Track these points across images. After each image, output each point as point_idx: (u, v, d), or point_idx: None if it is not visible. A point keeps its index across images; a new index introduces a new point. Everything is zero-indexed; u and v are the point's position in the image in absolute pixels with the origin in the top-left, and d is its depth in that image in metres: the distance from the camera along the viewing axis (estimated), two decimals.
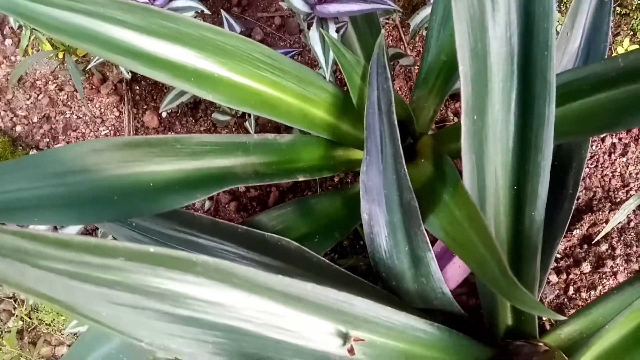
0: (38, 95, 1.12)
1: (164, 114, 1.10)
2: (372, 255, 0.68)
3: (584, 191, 1.00)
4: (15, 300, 1.09)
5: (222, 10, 0.87)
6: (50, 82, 1.13)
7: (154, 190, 0.62)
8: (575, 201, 0.98)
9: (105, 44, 0.61)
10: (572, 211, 0.72)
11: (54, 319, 1.08)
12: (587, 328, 0.66)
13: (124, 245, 0.39)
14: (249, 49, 0.69)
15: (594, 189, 1.00)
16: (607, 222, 0.95)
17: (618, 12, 1.05)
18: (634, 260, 0.93)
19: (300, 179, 0.74)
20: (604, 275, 0.93)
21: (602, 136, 1.02)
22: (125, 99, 1.11)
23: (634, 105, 0.55)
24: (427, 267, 0.63)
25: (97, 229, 0.97)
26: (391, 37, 1.10)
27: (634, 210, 0.96)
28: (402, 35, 1.10)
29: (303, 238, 0.73)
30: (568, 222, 0.72)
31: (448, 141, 0.76)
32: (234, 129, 1.08)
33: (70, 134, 1.11)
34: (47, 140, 1.11)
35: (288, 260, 0.67)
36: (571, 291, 0.94)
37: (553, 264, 0.96)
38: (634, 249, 0.94)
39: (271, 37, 1.12)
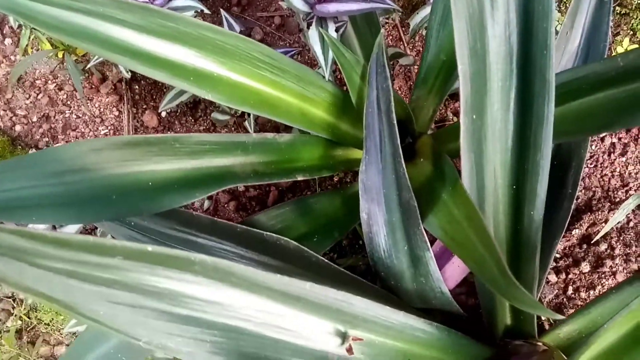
0: (37, 94, 1.12)
1: (163, 114, 1.10)
2: (371, 255, 0.68)
3: (583, 191, 1.00)
4: (14, 300, 1.09)
5: (221, 10, 0.87)
6: (49, 82, 1.13)
7: (152, 189, 0.62)
8: (575, 201, 0.98)
9: (104, 43, 0.61)
10: (572, 211, 0.72)
11: (52, 319, 1.08)
12: (586, 328, 0.66)
13: (122, 244, 0.39)
14: (248, 48, 0.68)
15: (593, 189, 1.00)
16: (606, 221, 0.95)
17: (618, 11, 1.05)
18: (633, 260, 0.93)
19: (300, 178, 0.74)
20: (603, 275, 0.93)
21: (601, 136, 1.02)
22: (125, 99, 1.11)
23: (633, 104, 0.55)
24: (426, 266, 0.63)
25: (96, 228, 0.97)
26: (391, 37, 1.10)
27: (633, 210, 0.96)
28: (402, 34, 1.10)
29: (302, 237, 0.73)
30: (567, 222, 0.72)
31: (447, 140, 0.76)
32: (233, 129, 1.08)
33: (69, 134, 1.11)
34: (47, 139, 1.11)
35: (287, 260, 0.67)
36: (570, 291, 0.94)
37: (552, 264, 0.96)
38: (633, 248, 0.94)
39: (271, 36, 1.12)
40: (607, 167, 1.00)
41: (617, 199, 0.98)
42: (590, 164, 1.01)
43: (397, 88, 1.07)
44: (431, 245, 0.62)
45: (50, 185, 0.59)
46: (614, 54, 1.05)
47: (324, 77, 0.75)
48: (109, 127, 1.11)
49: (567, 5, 1.03)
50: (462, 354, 0.63)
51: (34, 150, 1.11)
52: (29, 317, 1.09)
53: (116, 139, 0.63)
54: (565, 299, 0.94)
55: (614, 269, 0.93)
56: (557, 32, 0.73)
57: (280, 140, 0.76)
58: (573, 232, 0.97)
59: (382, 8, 0.71)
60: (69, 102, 1.12)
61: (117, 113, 1.11)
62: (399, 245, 0.64)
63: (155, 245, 0.40)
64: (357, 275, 0.69)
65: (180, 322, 0.43)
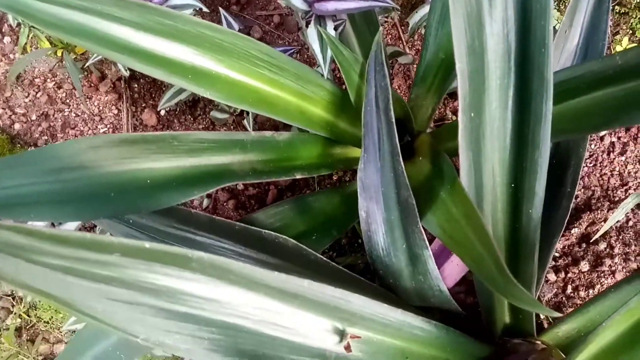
0: (37, 93, 1.12)
1: (162, 112, 1.10)
2: (370, 253, 0.68)
3: (582, 190, 1.00)
4: (13, 298, 1.09)
5: (220, 8, 0.86)
6: (48, 80, 1.13)
7: (151, 187, 0.62)
8: (574, 200, 0.98)
9: (102, 40, 0.61)
10: (571, 210, 0.72)
11: (52, 317, 1.08)
12: (585, 326, 0.66)
13: (120, 241, 0.39)
14: (246, 47, 0.68)
15: (592, 188, 1.00)
16: (605, 220, 0.95)
17: (617, 11, 1.05)
18: (633, 259, 0.93)
19: (298, 176, 0.74)
20: (602, 274, 0.93)
21: (601, 135, 1.02)
22: (124, 97, 1.11)
23: (631, 103, 0.55)
24: (425, 264, 0.63)
25: (95, 226, 0.97)
26: (390, 36, 1.10)
27: (632, 209, 0.96)
28: (401, 33, 1.10)
29: (301, 236, 0.73)
30: (566, 221, 0.72)
31: (446, 139, 0.76)
32: (232, 127, 1.08)
33: (68, 132, 1.11)
34: (46, 138, 1.11)
35: (286, 258, 0.67)
36: (569, 290, 0.94)
37: (551, 263, 0.96)
38: (633, 247, 0.94)
39: (270, 35, 1.12)
40: (606, 166, 1.00)
41: (617, 198, 0.98)
42: (590, 163, 1.01)
43: (396, 87, 1.07)
44: (430, 243, 0.62)
45: (48, 183, 0.59)
46: (613, 53, 1.05)
47: (322, 75, 0.75)
48: (108, 126, 1.11)
49: (566, 3, 1.03)
50: (461, 352, 0.63)
51: (33, 148, 1.11)
52: (28, 315, 1.09)
53: (114, 137, 0.63)
54: (564, 298, 0.94)
55: (613, 268, 0.93)
56: (556, 31, 0.73)
57: (279, 139, 0.76)
58: (572, 231, 0.97)
59: (380, 6, 0.71)
60: (68, 101, 1.12)
61: (116, 111, 1.11)
62: (398, 244, 0.64)
63: (154, 242, 0.40)
64: (356, 273, 0.69)
65: (178, 319, 0.43)
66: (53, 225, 0.76)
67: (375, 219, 0.65)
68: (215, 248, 0.66)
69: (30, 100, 1.12)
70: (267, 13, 1.13)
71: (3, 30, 1.14)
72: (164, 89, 1.10)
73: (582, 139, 0.73)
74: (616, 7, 1.05)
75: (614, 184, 0.99)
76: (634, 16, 1.04)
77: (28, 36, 1.10)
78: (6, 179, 0.59)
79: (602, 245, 0.95)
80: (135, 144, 0.63)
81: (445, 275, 0.77)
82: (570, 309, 0.93)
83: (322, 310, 0.48)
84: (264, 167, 0.71)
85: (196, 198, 1.06)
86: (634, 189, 0.98)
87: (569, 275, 0.94)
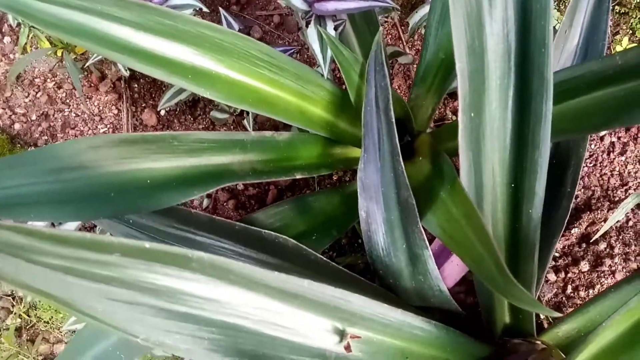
0: (37, 93, 1.12)
1: (162, 112, 1.10)
2: (370, 253, 0.68)
3: (582, 190, 1.00)
4: (13, 298, 1.09)
5: (220, 8, 0.86)
6: (48, 80, 1.13)
7: (151, 187, 0.62)
8: (574, 200, 0.98)
9: (102, 40, 0.61)
10: (571, 210, 0.72)
11: (52, 317, 1.08)
12: (585, 326, 0.66)
13: (120, 241, 0.39)
14: (246, 47, 0.68)
15: (592, 188, 1.00)
16: (605, 220, 0.95)
17: (617, 11, 1.05)
18: (633, 259, 0.93)
19: (298, 176, 0.74)
20: (602, 274, 0.93)
21: (601, 135, 1.02)
22: (124, 97, 1.11)
23: (631, 103, 0.55)
24: (425, 264, 0.63)
25: (95, 226, 0.97)
26: (390, 36, 1.10)
27: (632, 209, 0.96)
28: (401, 33, 1.10)
29: (301, 236, 0.73)
30: (566, 221, 0.72)
31: (446, 139, 0.76)
32: (232, 127, 1.08)
33: (68, 132, 1.11)
34: (46, 138, 1.11)
35: (286, 258, 0.67)
36: (569, 290, 0.94)
37: (551, 263, 0.96)
38: (633, 247, 0.94)
39: (270, 35, 1.12)
40: (606, 166, 1.00)
41: (617, 198, 0.98)
42: (590, 163, 1.01)
43: (397, 87, 1.07)
44: (430, 244, 0.62)
45: (48, 183, 0.59)
46: (613, 53, 1.05)
47: (322, 75, 0.75)
48: (108, 126, 1.11)
49: (566, 3, 1.03)
50: (461, 352, 0.63)
51: (33, 148, 1.11)
52: (28, 315, 1.09)
53: (114, 137, 0.63)
54: (564, 298, 0.94)
55: (613, 268, 0.93)
56: (556, 31, 0.73)
57: (279, 139, 0.76)
58: (572, 231, 0.97)
59: (380, 6, 0.71)
60: (68, 101, 1.12)
61: (116, 111, 1.11)
62: (398, 244, 0.64)
63: (154, 242, 0.40)
64: (356, 273, 0.69)
65: (178, 319, 0.43)
66: (53, 225, 0.76)
67: (375, 219, 0.65)
68: (215, 248, 0.66)
69: (30, 100, 1.12)
70: (267, 13, 1.13)
71: (3, 30, 1.14)
72: (164, 89, 1.10)
73: (582, 139, 0.73)
74: (616, 7, 1.05)
75: (614, 184, 0.99)
76: (634, 16, 1.04)
77: (28, 36, 1.10)
78: (6, 179, 0.59)
79: (602, 245, 0.95)
80: (135, 144, 0.63)
81: (445, 275, 0.77)
82: (570, 309, 0.93)
83: (322, 310, 0.48)
84: (264, 167, 0.71)
85: (196, 198, 1.06)
86: (634, 189, 0.98)
87: (569, 275, 0.94)
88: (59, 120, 1.11)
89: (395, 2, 1.05)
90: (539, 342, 0.66)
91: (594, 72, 0.59)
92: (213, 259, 0.42)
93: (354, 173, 0.91)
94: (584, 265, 0.94)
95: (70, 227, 0.77)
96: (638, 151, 1.00)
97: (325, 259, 0.67)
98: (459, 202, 0.58)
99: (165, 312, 0.42)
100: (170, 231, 0.67)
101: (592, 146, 1.01)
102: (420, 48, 1.09)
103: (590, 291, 0.93)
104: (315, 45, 0.74)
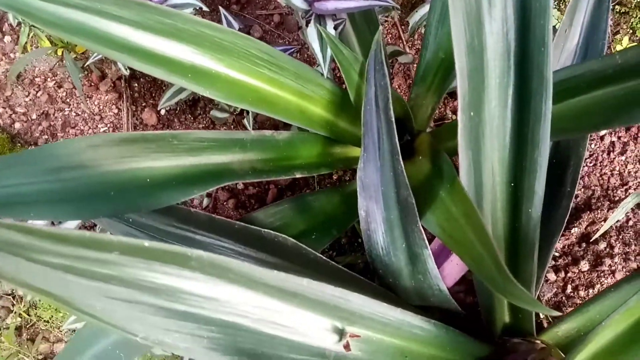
0: (37, 92, 1.12)
1: (162, 112, 1.10)
2: (369, 252, 0.68)
3: (582, 190, 1.00)
4: (14, 297, 1.10)
5: (220, 8, 0.86)
6: (49, 79, 1.13)
7: (150, 186, 0.62)
8: (574, 199, 0.98)
9: (102, 39, 0.61)
10: (571, 209, 0.72)
11: (52, 316, 1.08)
12: (585, 326, 0.66)
13: (119, 239, 0.39)
14: (246, 46, 0.68)
15: (592, 188, 1.00)
16: (605, 220, 0.95)
17: (617, 10, 1.05)
18: (633, 258, 0.93)
19: (298, 175, 0.74)
20: (602, 274, 0.93)
21: (601, 135, 1.02)
22: (124, 96, 1.11)
23: (631, 102, 0.55)
24: (424, 264, 0.63)
25: (96, 225, 0.98)
26: (390, 35, 1.10)
27: (632, 209, 0.96)
28: (401, 33, 1.10)
29: (300, 235, 0.73)
30: (566, 220, 0.72)
31: (446, 138, 0.76)
32: (232, 127, 1.08)
33: (69, 131, 1.11)
34: (46, 137, 1.11)
35: (285, 257, 0.67)
36: (569, 289, 0.94)
37: (551, 262, 0.96)
38: (633, 247, 0.94)
39: (270, 34, 1.12)
40: (606, 165, 1.00)
41: (617, 198, 0.98)
42: (590, 162, 1.01)
43: (397, 86, 1.07)
44: (430, 243, 0.62)
45: (48, 182, 0.59)
46: (613, 52, 1.05)
47: (322, 74, 0.75)
48: (108, 125, 1.11)
49: (566, 3, 1.03)
50: (460, 352, 0.63)
51: (33, 147, 1.11)
52: (28, 315, 1.09)
53: (114, 136, 0.63)
54: (564, 298, 0.94)
55: (613, 268, 0.93)
56: (556, 30, 0.73)
57: (279, 138, 0.76)
58: (572, 231, 0.97)
59: (380, 5, 0.71)
60: (68, 100, 1.12)
61: (116, 111, 1.11)
62: (397, 243, 0.64)
63: (153, 241, 0.40)
64: (356, 273, 0.69)
65: (178, 318, 0.43)
66: (53, 224, 0.76)
67: (375, 218, 0.65)
68: (215, 247, 0.66)
69: (30, 100, 1.12)
70: (267, 12, 1.13)
71: (3, 29, 1.14)
72: (164, 88, 1.10)
73: (582, 138, 0.73)
74: (616, 6, 1.05)
75: (614, 183, 0.99)
76: (634, 15, 1.04)
77: (28, 35, 1.10)
78: (6, 177, 0.59)
79: (602, 245, 0.95)
80: (135, 143, 0.63)
81: (445, 274, 0.77)
82: (570, 309, 0.93)
83: (322, 309, 0.48)
84: (264, 166, 0.71)
85: (196, 197, 1.06)
86: (634, 189, 0.98)
87: (569, 274, 0.94)
88: (59, 119, 1.11)
89: (395, 1, 1.05)
90: (538, 342, 0.66)
91: (594, 71, 0.59)
92: (212, 257, 0.42)
93: (354, 172, 0.91)
94: (584, 265, 0.94)
95: (71, 226, 0.77)
96: (638, 151, 1.00)
97: (324, 258, 0.67)
98: (459, 201, 0.58)
99: (164, 311, 0.42)
100: (170, 230, 0.67)
101: (593, 146, 1.01)
102: (420, 47, 1.09)
103: (590, 291, 0.93)
104: (315, 45, 0.74)
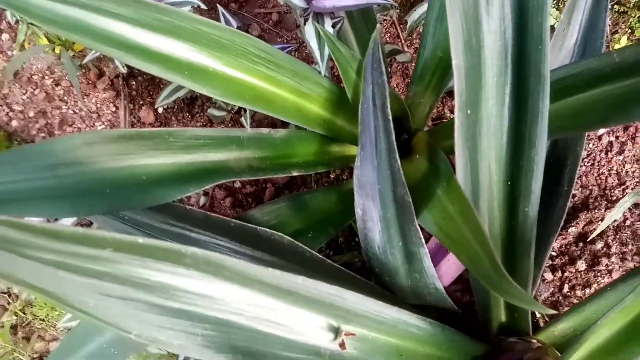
0: (34, 90, 1.12)
1: (160, 110, 1.10)
2: (366, 251, 0.67)
3: (580, 189, 1.00)
4: (9, 295, 1.09)
5: (218, 6, 0.86)
6: (46, 77, 1.12)
7: (146, 183, 0.62)
8: (571, 199, 0.98)
9: (99, 36, 0.61)
10: (568, 208, 0.72)
11: (48, 314, 1.08)
12: (581, 325, 0.66)
13: (112, 235, 0.39)
14: (244, 43, 0.68)
15: (590, 187, 1.00)
16: (603, 220, 0.95)
17: (616, 10, 1.05)
18: (630, 258, 0.93)
19: (295, 174, 0.74)
20: (599, 273, 0.93)
21: (599, 134, 1.02)
22: (122, 94, 1.11)
23: (628, 100, 0.55)
24: (421, 262, 0.62)
25: (92, 223, 0.97)
26: (389, 34, 1.10)
27: (629, 209, 0.96)
28: (400, 32, 1.10)
29: (297, 233, 0.73)
30: (563, 219, 0.71)
31: (443, 137, 0.76)
32: (230, 125, 1.08)
33: (66, 129, 1.11)
34: (43, 135, 1.11)
35: (281, 255, 0.67)
36: (566, 289, 0.93)
37: (548, 262, 0.96)
38: (630, 247, 0.94)
39: (268, 33, 1.12)
40: (604, 165, 1.00)
41: (614, 198, 0.98)
42: (588, 162, 1.01)
43: (395, 85, 1.07)
44: (427, 242, 0.62)
45: (43, 179, 0.59)
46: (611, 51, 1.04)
47: (320, 72, 0.75)
48: (106, 123, 1.11)
49: (565, 2, 1.03)
50: (456, 351, 0.62)
51: None
52: (24, 313, 1.08)
53: (109, 133, 0.63)
54: (561, 297, 0.94)
55: (610, 267, 0.93)
56: (554, 29, 0.73)
57: (276, 136, 0.76)
58: (569, 230, 0.97)
59: (379, 4, 0.71)
60: (65, 98, 1.12)
61: (114, 109, 1.11)
62: (394, 241, 0.64)
63: (147, 238, 0.40)
64: (353, 272, 0.69)
65: (172, 315, 0.43)
66: (48, 221, 0.75)
67: (372, 216, 0.64)
68: (211, 245, 0.66)
69: (27, 97, 1.12)
70: (265, 11, 1.12)
71: (1, 27, 1.14)
72: (162, 86, 1.10)
73: (580, 137, 0.73)
74: (615, 6, 1.05)
75: (612, 183, 0.99)
76: (633, 15, 1.04)
77: (26, 33, 1.10)
78: (1, 174, 0.58)
79: (599, 245, 0.95)
80: (131, 140, 0.63)
81: (442, 273, 0.77)
82: (567, 308, 0.93)
83: (317, 307, 0.48)
84: (261, 164, 0.71)
85: (193, 196, 1.06)
86: (632, 188, 0.98)
87: (566, 274, 0.94)
88: (57, 117, 1.11)
89: (393, 0, 1.05)
90: (534, 341, 0.66)
91: (592, 69, 0.59)
92: (207, 254, 0.42)
93: (352, 171, 0.91)
94: (581, 265, 0.94)
95: (66, 223, 0.77)
96: (636, 150, 1.00)
97: (321, 256, 0.67)
98: (455, 200, 0.58)
99: (158, 308, 0.42)
100: (165, 228, 0.67)
101: (590, 145, 1.01)
102: (418, 46, 1.09)
103: (587, 290, 0.93)
104: (312, 43, 0.74)
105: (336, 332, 0.50)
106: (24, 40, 1.11)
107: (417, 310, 0.60)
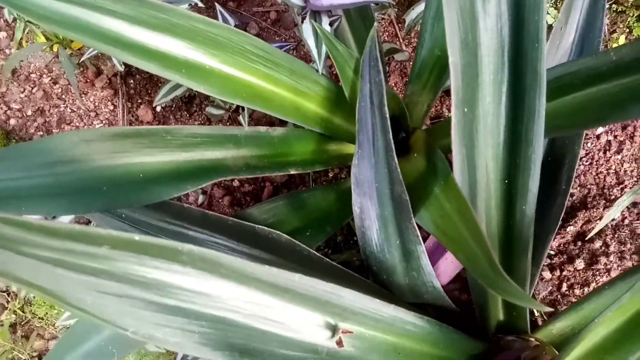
0: (32, 88, 1.12)
1: (158, 108, 1.10)
2: (363, 249, 0.68)
3: (578, 188, 1.00)
4: (8, 294, 1.09)
5: (216, 4, 0.86)
6: (44, 76, 1.12)
7: (143, 181, 0.62)
8: (570, 198, 0.98)
9: (96, 34, 0.61)
10: (566, 207, 0.72)
11: (47, 313, 1.08)
12: (579, 324, 0.66)
13: (109, 233, 0.39)
14: (241, 41, 0.68)
15: (588, 186, 1.00)
16: (601, 219, 0.95)
17: (614, 9, 1.05)
18: (628, 257, 0.93)
19: (292, 172, 0.74)
20: (597, 272, 0.93)
21: (597, 134, 1.02)
22: (120, 93, 1.11)
23: (625, 98, 0.55)
24: (418, 260, 0.62)
25: (90, 221, 0.97)
26: (387, 33, 1.10)
27: (628, 208, 0.96)
28: (398, 31, 1.10)
29: (295, 232, 0.73)
30: (561, 218, 0.72)
31: (441, 136, 0.76)
32: (228, 124, 1.08)
33: (64, 128, 1.11)
34: (41, 133, 1.11)
35: (279, 254, 0.67)
36: (564, 288, 0.94)
37: (546, 261, 0.96)
38: (628, 246, 0.94)
39: (266, 31, 1.12)
40: (602, 164, 1.00)
41: (612, 197, 0.98)
42: (586, 161, 1.01)
43: (393, 84, 1.07)
44: (425, 240, 0.62)
45: (41, 176, 0.59)
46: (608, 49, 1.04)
47: (317, 71, 0.75)
48: (104, 121, 1.11)
49: (563, 1, 1.02)
50: (454, 349, 0.62)
51: None
52: (23, 311, 1.08)
53: (107, 131, 0.63)
54: (559, 296, 0.94)
55: (608, 266, 0.93)
56: (551, 27, 0.73)
57: (273, 134, 0.75)
58: (568, 229, 0.97)
59: (376, 2, 0.71)
60: (63, 96, 1.12)
61: (112, 107, 1.11)
62: (391, 240, 0.64)
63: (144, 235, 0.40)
64: (351, 270, 0.69)
65: (168, 313, 0.43)
66: (46, 219, 0.75)
67: (369, 214, 0.65)
68: (208, 243, 0.65)
69: (25, 96, 1.12)
70: (263, 9, 1.12)
71: None
72: (160, 85, 1.10)
73: (578, 136, 0.73)
74: (613, 5, 1.05)
75: (610, 182, 0.99)
76: (631, 14, 1.04)
77: (24, 31, 1.10)
78: None
79: (598, 244, 0.95)
80: (127, 138, 0.63)
81: (440, 272, 0.77)
82: (565, 307, 0.93)
83: (314, 305, 0.48)
84: (258, 163, 0.71)
85: (191, 194, 1.05)
86: (630, 187, 0.98)
87: (564, 273, 0.94)
88: (55, 115, 1.11)
89: None
90: (532, 339, 0.66)
91: (589, 68, 0.59)
92: (203, 252, 0.42)
93: (350, 170, 0.91)
94: (579, 263, 0.94)
95: (64, 221, 0.77)
96: (634, 149, 1.00)
97: (318, 255, 0.67)
98: (452, 198, 0.58)
99: (154, 305, 0.42)
100: (162, 226, 0.67)
101: (589, 144, 1.01)
102: (416, 45, 1.09)
103: (586, 289, 0.93)
104: (310, 41, 0.74)
105: (333, 329, 0.50)
106: (21, 38, 1.10)
107: (415, 308, 0.60)
